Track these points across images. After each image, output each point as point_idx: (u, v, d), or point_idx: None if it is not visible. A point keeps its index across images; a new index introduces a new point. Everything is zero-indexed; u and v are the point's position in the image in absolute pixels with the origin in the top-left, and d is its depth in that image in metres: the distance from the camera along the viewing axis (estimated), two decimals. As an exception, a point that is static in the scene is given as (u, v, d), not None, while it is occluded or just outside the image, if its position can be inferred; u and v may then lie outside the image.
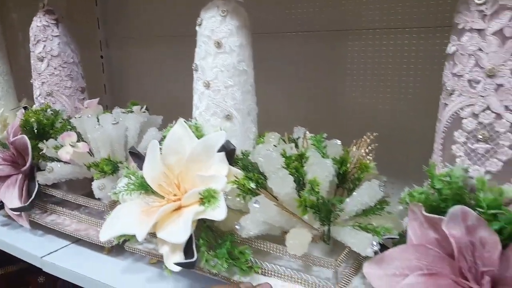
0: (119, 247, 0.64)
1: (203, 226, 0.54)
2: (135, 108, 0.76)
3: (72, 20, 0.90)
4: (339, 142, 0.55)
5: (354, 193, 0.50)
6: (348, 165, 0.53)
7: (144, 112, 0.77)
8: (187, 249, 0.49)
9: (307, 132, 0.57)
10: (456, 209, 0.41)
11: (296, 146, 0.56)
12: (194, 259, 0.48)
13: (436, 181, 0.42)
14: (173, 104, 0.72)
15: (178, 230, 0.49)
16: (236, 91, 0.58)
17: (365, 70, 0.76)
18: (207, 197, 0.52)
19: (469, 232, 0.41)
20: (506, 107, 0.41)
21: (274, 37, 0.85)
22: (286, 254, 0.49)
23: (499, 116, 0.41)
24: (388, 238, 0.49)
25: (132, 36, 1.08)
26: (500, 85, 0.41)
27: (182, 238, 0.48)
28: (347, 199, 0.50)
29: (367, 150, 0.53)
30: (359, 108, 0.78)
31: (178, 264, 0.49)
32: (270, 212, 0.48)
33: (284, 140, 0.58)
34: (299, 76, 0.84)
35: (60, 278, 1.09)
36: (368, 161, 0.52)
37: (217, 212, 0.50)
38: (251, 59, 0.60)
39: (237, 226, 0.50)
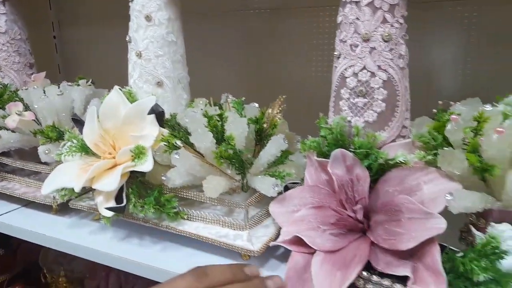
0: (65, 207, 0.70)
1: (136, 181, 0.61)
2: (81, 81, 0.81)
3: (22, 1, 0.94)
4: (256, 105, 0.62)
5: (265, 147, 0.57)
6: (264, 124, 0.61)
7: (90, 85, 0.82)
8: (118, 197, 0.56)
9: (230, 97, 0.64)
10: (337, 151, 0.49)
11: (221, 109, 0.63)
12: (123, 204, 0.55)
13: (322, 130, 0.51)
14: (125, 80, 0.78)
15: (109, 181, 0.56)
16: (166, 60, 0.64)
17: (302, 43, 0.84)
18: (137, 154, 0.58)
19: (348, 171, 0.49)
20: (379, 67, 0.49)
21: (218, 15, 0.91)
22: (205, 200, 0.57)
23: (373, 74, 0.50)
24: (294, 183, 0.57)
25: (84, 16, 1.12)
26: (373, 48, 0.49)
27: (112, 186, 0.55)
28: (261, 152, 0.58)
29: (278, 110, 0.61)
30: (296, 78, 0.86)
31: (109, 208, 0.55)
32: (190, 163, 0.55)
33: (210, 104, 0.65)
34: (240, 51, 0.91)
35: (18, 249, 1.13)
36: (278, 119, 0.60)
37: (145, 166, 0.57)
38: (180, 32, 0.66)
39: (163, 177, 0.57)
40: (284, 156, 0.57)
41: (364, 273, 0.45)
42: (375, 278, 0.44)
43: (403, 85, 0.51)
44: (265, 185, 0.54)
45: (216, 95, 0.67)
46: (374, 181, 0.49)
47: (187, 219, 0.59)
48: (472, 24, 0.70)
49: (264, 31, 0.89)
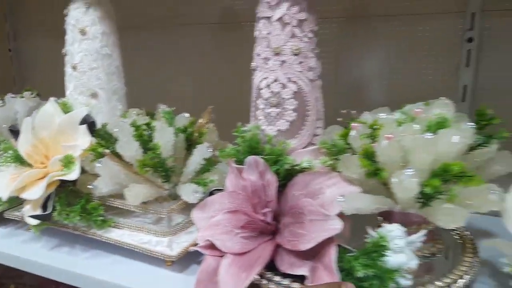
0: (2, 217, 0.71)
1: (67, 190, 0.62)
2: (25, 93, 0.83)
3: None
4: (187, 115, 0.65)
5: (192, 155, 0.60)
6: (195, 134, 0.63)
7: (35, 97, 0.83)
8: (44, 206, 0.57)
9: (162, 107, 0.66)
10: (250, 158, 0.51)
11: (152, 118, 0.65)
12: (47, 212, 0.56)
13: (238, 139, 0.53)
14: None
15: (35, 190, 0.57)
16: (101, 72, 0.66)
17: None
18: (66, 163, 0.60)
19: (261, 176, 0.52)
20: (289, 79, 0.52)
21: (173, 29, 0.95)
22: (128, 207, 0.58)
23: (284, 86, 0.53)
24: (218, 189, 0.59)
25: (39, 28, 1.13)
26: (283, 61, 0.52)
27: (36, 195, 0.56)
28: (188, 161, 0.60)
29: (207, 120, 0.63)
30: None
31: (33, 216, 0.56)
32: (113, 171, 0.57)
33: (147, 114, 0.67)
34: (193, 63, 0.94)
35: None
36: (206, 129, 0.62)
37: (72, 175, 0.58)
38: (116, 45, 0.68)
39: (90, 186, 0.58)
40: (209, 164, 0.59)
41: (268, 274, 0.47)
42: (276, 278, 0.46)
43: (313, 96, 0.54)
44: (187, 192, 0.56)
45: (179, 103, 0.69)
46: (284, 186, 0.51)
47: (115, 227, 0.60)
48: (397, 38, 0.74)
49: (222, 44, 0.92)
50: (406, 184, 0.42)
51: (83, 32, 0.65)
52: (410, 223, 0.49)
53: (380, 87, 0.76)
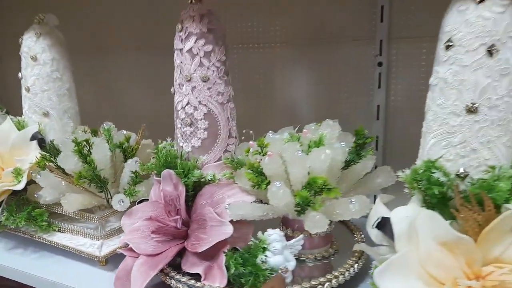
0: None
1: (19, 198, 0.71)
2: (-5, 110, 0.91)
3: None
4: (125, 131, 0.73)
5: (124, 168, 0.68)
6: (130, 149, 0.71)
7: (3, 114, 0.92)
8: (-5, 212, 0.66)
9: (105, 125, 0.74)
10: (164, 172, 0.59)
11: (95, 135, 0.73)
12: (-5, 218, 0.65)
13: (156, 154, 0.61)
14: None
15: (-14, 199, 0.66)
16: (52, 94, 0.75)
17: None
18: (16, 175, 0.68)
19: (175, 187, 0.59)
20: (200, 102, 0.60)
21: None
22: (66, 213, 0.67)
23: (196, 108, 0.60)
24: (145, 199, 0.67)
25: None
26: (194, 87, 0.60)
27: (-14, 203, 0.65)
28: (122, 173, 0.68)
29: (140, 136, 0.71)
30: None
31: (-19, 222, 0.65)
32: (53, 182, 0.65)
33: (91, 132, 0.76)
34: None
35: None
36: (139, 143, 0.70)
37: (18, 185, 0.67)
38: (67, 69, 0.77)
39: (35, 195, 0.67)
40: (138, 176, 0.67)
41: (172, 273, 0.55)
42: (177, 276, 0.54)
43: (224, 117, 0.61)
44: (115, 201, 0.64)
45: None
46: (195, 196, 0.59)
47: (59, 231, 0.69)
48: (322, 63, 0.81)
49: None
50: (275, 194, 0.49)
51: (34, 59, 0.73)
52: (297, 229, 0.56)
53: (309, 106, 0.84)
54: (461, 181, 0.44)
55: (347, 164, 0.54)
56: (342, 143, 0.53)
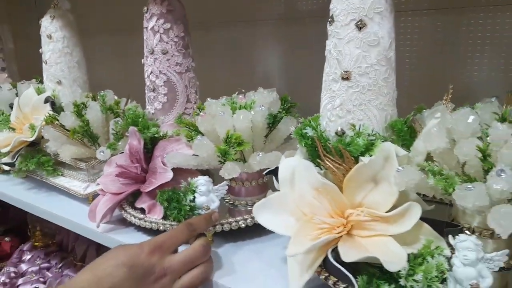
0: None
1: (34, 149, 0.89)
2: (33, 81, 1.11)
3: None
4: (115, 97, 0.87)
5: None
6: (119, 111, 0.85)
7: (39, 83, 1.11)
8: (13, 157, 0.84)
9: (103, 92, 0.89)
10: (131, 128, 0.72)
11: (94, 100, 0.89)
12: (11, 161, 0.83)
13: (124, 115, 0.74)
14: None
15: (7, 147, 0.84)
16: (64, 66, 0.91)
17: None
18: (31, 129, 0.86)
19: (139, 142, 0.72)
20: (160, 71, 0.72)
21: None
22: (66, 161, 0.83)
23: (157, 76, 0.72)
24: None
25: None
26: (156, 59, 0.72)
27: (6, 149, 0.83)
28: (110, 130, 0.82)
29: (127, 101, 0.85)
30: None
31: (3, 163, 0.83)
32: (56, 136, 0.81)
33: (92, 98, 0.91)
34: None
35: (10, 208, 1.45)
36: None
37: (31, 138, 0.84)
38: (76, 45, 0.92)
39: (44, 147, 0.84)
40: (119, 133, 0.81)
41: (127, 207, 0.68)
42: (129, 209, 0.67)
43: (182, 84, 0.73)
44: (98, 152, 0.78)
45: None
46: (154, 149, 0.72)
47: (62, 175, 0.86)
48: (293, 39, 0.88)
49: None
50: (198, 146, 0.60)
51: (49, 37, 0.90)
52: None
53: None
54: (342, 138, 0.52)
55: (270, 126, 0.63)
56: (262, 107, 0.62)
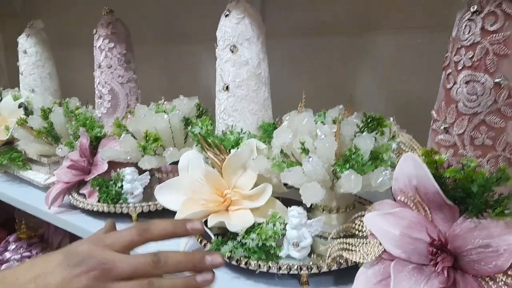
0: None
1: (9, 147, 1.05)
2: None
3: None
4: (78, 102, 1.03)
5: (72, 128, 0.98)
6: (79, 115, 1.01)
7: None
8: (-10, 154, 1.00)
9: (68, 99, 1.05)
10: (80, 129, 0.88)
11: (60, 106, 1.05)
12: (-12, 157, 0.99)
13: (76, 117, 0.90)
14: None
15: (-15, 144, 1.00)
16: (36, 76, 1.08)
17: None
18: (6, 130, 1.02)
19: (87, 139, 0.88)
20: (105, 82, 0.87)
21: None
22: (32, 157, 0.99)
23: (103, 86, 0.88)
24: (82, 150, 0.96)
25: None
26: (102, 71, 0.87)
27: (-17, 147, 0.99)
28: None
29: (86, 105, 1.01)
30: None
31: (-19, 159, 0.99)
32: (25, 136, 0.97)
33: (59, 104, 1.07)
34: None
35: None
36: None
37: (4, 138, 1.00)
38: (49, 59, 1.09)
39: (15, 145, 1.00)
40: (77, 133, 0.96)
41: (73, 193, 0.83)
42: (74, 194, 0.82)
43: (123, 93, 0.88)
44: (57, 149, 0.94)
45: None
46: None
47: (31, 169, 1.01)
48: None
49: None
50: (122, 141, 0.75)
51: (25, 52, 1.06)
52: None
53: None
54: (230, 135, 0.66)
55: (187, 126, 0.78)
56: (178, 111, 0.77)
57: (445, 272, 0.44)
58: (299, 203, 0.58)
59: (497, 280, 0.41)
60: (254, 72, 0.64)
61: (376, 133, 0.55)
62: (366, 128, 0.56)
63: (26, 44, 1.06)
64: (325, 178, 0.55)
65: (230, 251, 0.55)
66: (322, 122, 0.58)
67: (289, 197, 0.64)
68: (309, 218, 0.57)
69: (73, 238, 1.33)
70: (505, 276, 0.41)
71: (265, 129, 0.64)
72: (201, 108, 0.80)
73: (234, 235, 0.57)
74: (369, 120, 0.56)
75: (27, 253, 1.47)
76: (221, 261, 0.42)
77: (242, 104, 0.64)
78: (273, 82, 0.69)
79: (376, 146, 0.55)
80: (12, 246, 1.51)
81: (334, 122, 0.59)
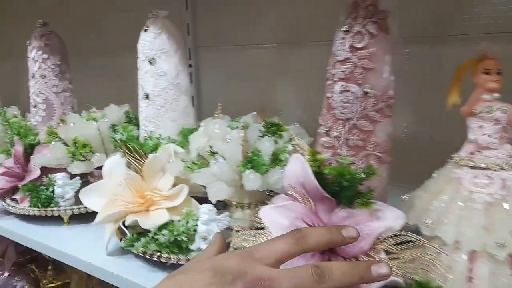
0: None
1: None
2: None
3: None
4: (15, 112, 1.05)
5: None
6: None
7: None
8: None
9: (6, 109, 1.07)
10: (15, 138, 0.90)
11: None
12: None
13: (10, 126, 0.92)
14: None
15: None
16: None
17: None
18: None
19: (20, 148, 0.90)
20: (39, 91, 0.91)
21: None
22: None
23: (37, 95, 0.91)
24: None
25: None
26: (36, 81, 0.91)
27: None
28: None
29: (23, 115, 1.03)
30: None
31: None
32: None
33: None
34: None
35: None
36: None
37: None
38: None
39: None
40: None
41: (6, 199, 0.86)
42: (7, 200, 0.85)
43: (58, 102, 0.92)
44: None
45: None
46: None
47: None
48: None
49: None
50: (52, 148, 0.79)
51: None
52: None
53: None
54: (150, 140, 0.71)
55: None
56: (106, 119, 0.81)
57: (322, 255, 0.51)
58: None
59: (360, 259, 0.48)
60: (172, 82, 0.69)
61: (276, 137, 0.62)
62: (267, 133, 0.62)
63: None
64: (234, 177, 0.62)
65: (143, 246, 0.60)
66: (232, 127, 0.64)
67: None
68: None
69: (17, 246, 1.34)
70: (365, 256, 0.48)
71: (185, 134, 0.70)
72: (130, 116, 0.84)
73: (148, 232, 0.62)
74: (269, 126, 0.62)
75: (-30, 263, 1.45)
76: (388, 271, 0.37)
77: (162, 112, 0.70)
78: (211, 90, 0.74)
79: (276, 148, 0.62)
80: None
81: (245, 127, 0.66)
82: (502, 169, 0.46)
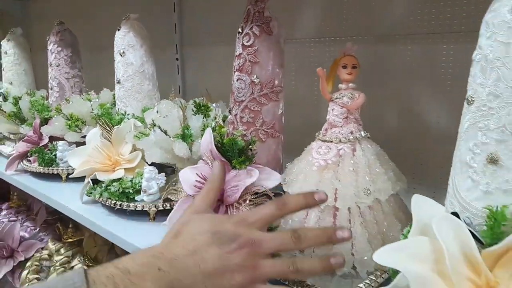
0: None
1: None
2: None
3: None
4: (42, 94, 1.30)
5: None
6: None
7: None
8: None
9: (36, 91, 1.32)
10: (35, 113, 1.15)
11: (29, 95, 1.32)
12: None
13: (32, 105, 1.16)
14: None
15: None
16: (14, 72, 1.36)
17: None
18: (-13, 113, 1.30)
19: (38, 120, 1.15)
20: (55, 77, 1.14)
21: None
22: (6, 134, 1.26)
23: (53, 80, 1.14)
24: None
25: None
26: (52, 69, 1.14)
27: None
28: (34, 116, 1.26)
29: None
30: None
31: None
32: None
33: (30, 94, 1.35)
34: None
35: None
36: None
37: (-15, 118, 1.29)
38: (24, 59, 1.37)
39: (-7, 124, 1.28)
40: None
41: (24, 161, 1.10)
42: (24, 161, 1.09)
43: (68, 86, 1.14)
44: (21, 128, 1.21)
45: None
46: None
47: (4, 144, 1.29)
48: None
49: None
50: (56, 123, 1.01)
51: (6, 53, 1.34)
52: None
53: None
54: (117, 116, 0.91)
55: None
56: (97, 100, 1.02)
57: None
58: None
59: (234, 206, 0.64)
60: (138, 71, 0.88)
61: (204, 116, 0.79)
62: (197, 112, 0.79)
63: (7, 47, 1.35)
64: (171, 146, 0.79)
65: (100, 194, 0.80)
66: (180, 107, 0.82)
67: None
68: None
69: (47, 207, 1.61)
70: (237, 203, 0.63)
71: (144, 112, 0.89)
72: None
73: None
74: (199, 107, 0.79)
75: (14, 218, 1.76)
76: (349, 235, 0.44)
77: (129, 94, 0.89)
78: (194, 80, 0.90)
79: (204, 125, 0.78)
80: (3, 212, 1.81)
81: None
82: (340, 141, 0.60)
